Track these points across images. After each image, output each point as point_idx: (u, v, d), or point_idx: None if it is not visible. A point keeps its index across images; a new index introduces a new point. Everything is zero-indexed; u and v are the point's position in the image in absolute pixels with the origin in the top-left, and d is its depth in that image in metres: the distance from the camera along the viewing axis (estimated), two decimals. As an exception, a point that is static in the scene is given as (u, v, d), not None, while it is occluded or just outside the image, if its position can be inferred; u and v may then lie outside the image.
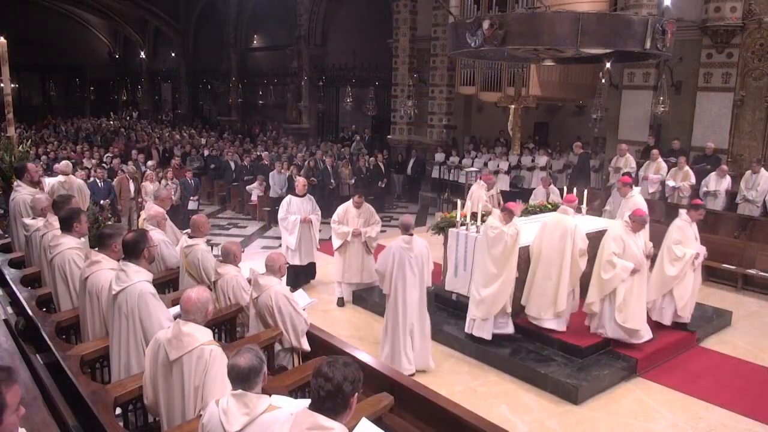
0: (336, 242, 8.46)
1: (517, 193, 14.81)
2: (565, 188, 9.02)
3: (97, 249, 4.60)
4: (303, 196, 9.03)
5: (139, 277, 4.09)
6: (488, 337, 6.83)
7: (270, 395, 3.07)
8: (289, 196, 9.18)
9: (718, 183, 11.13)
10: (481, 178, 10.75)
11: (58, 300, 5.10)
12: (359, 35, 21.52)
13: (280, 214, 9.01)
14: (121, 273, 4.10)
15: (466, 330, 7.01)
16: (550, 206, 9.01)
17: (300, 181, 9.21)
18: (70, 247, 4.98)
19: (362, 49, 21.15)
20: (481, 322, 6.85)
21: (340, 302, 8.62)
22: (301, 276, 9.08)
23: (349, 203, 8.64)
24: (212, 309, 3.70)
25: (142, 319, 4.07)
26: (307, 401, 2.70)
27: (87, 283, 4.47)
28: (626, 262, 6.65)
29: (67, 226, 5.09)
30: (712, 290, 9.41)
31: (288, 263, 8.15)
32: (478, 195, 10.03)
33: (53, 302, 5.33)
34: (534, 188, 13.56)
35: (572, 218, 6.98)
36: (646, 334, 6.87)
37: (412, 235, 6.40)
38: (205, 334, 3.55)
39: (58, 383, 3.94)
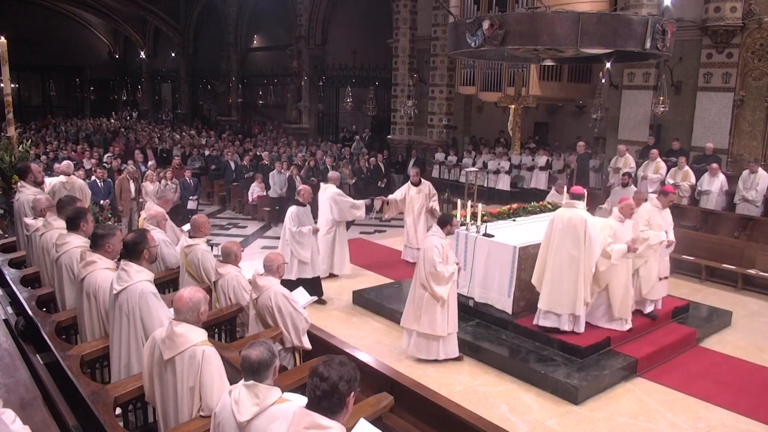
0: (446, 290, 6.48)
1: (517, 193, 14.88)
2: (565, 188, 9.00)
3: (91, 250, 4.60)
4: (306, 205, 8.36)
5: (140, 277, 4.10)
6: None
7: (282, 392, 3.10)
8: (294, 206, 8.28)
9: (710, 182, 11.25)
10: (554, 188, 11.15)
11: (63, 299, 5.10)
12: (359, 35, 21.52)
13: (294, 228, 8.21)
14: (122, 273, 4.10)
15: None
16: (550, 206, 8.99)
17: (306, 190, 8.44)
18: (77, 246, 4.97)
19: (362, 49, 21.15)
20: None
21: (461, 358, 6.86)
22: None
23: (436, 237, 6.50)
24: (206, 310, 3.66)
25: (143, 319, 4.07)
26: None
27: (84, 283, 4.47)
28: None
29: (73, 225, 5.11)
30: (712, 290, 9.41)
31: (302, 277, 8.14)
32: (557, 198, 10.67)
33: (54, 302, 5.33)
34: (534, 188, 13.63)
35: (584, 212, 6.65)
36: None
37: None
38: (198, 335, 3.53)
39: (58, 383, 3.94)
